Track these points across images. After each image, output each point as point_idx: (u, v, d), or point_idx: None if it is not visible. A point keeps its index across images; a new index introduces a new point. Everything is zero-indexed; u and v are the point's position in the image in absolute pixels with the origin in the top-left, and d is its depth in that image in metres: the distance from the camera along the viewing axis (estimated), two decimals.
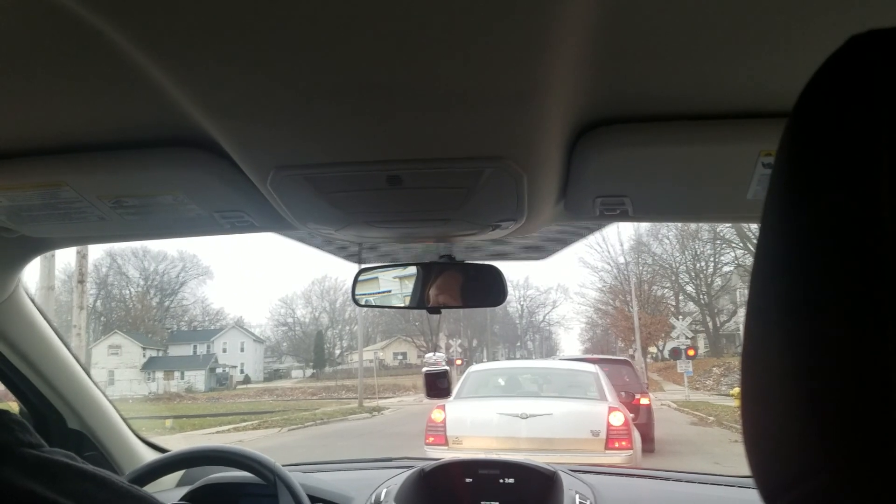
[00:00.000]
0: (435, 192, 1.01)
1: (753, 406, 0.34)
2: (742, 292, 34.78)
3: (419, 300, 1.40)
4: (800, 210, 0.30)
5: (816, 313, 0.28)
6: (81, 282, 13.60)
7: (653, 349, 38.79)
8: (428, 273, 1.40)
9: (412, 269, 1.42)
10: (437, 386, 1.54)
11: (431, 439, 6.21)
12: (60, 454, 0.74)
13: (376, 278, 1.45)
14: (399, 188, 0.98)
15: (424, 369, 1.56)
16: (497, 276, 1.36)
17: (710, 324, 40.10)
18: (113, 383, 37.95)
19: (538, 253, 1.55)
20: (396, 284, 1.44)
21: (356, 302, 1.46)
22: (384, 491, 1.63)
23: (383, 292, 1.45)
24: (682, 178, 1.01)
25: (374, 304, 1.48)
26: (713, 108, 0.90)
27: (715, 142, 0.92)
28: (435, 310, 1.39)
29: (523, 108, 0.77)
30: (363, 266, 1.45)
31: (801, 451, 0.29)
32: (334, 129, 0.83)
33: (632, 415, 6.91)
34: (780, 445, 0.30)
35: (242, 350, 49.47)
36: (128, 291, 50.86)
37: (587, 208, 1.12)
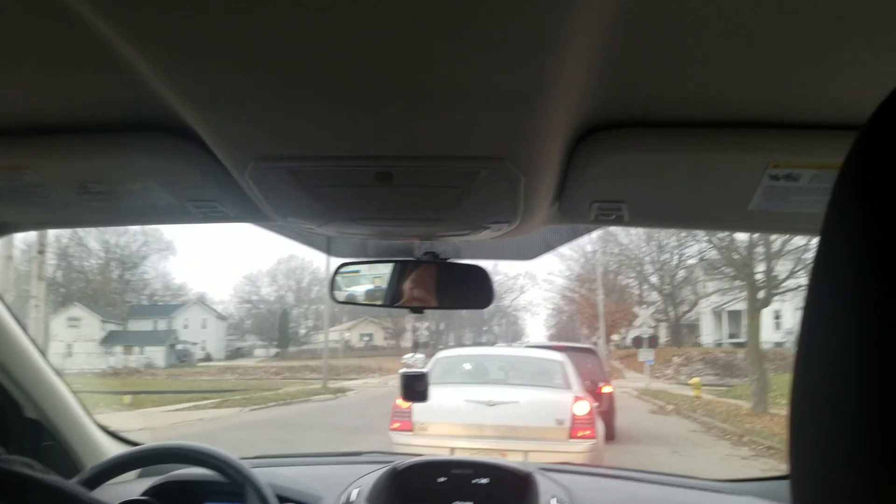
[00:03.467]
0: (427, 192, 0.97)
1: (805, 445, 0.31)
2: (704, 284, 35.44)
3: (402, 300, 1.35)
4: (876, 231, 0.28)
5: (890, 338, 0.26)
6: (41, 252, 13.25)
7: (615, 337, 39.34)
8: (412, 272, 1.35)
9: (395, 268, 1.37)
10: (414, 389, 1.50)
11: (397, 425, 6.20)
12: (19, 463, 0.68)
13: (357, 275, 1.41)
14: (388, 186, 0.94)
15: (402, 371, 1.51)
16: (484, 277, 1.33)
17: (672, 313, 40.79)
18: (71, 356, 37.21)
19: (524, 254, 1.51)
20: (378, 282, 1.39)
21: (334, 298, 1.41)
22: (355, 491, 1.59)
23: (364, 290, 1.41)
24: (684, 185, 0.98)
25: (353, 301, 1.43)
26: (721, 116, 0.87)
27: (721, 150, 0.90)
28: (418, 310, 1.34)
29: (527, 108, 0.73)
30: (344, 261, 1.40)
31: (858, 485, 0.27)
32: (322, 121, 0.78)
33: (595, 403, 6.99)
34: (834, 475, 0.29)
35: (204, 327, 48.85)
36: (88, 263, 49.86)
37: (583, 212, 1.09)
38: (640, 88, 0.81)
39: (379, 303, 1.39)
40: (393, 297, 1.36)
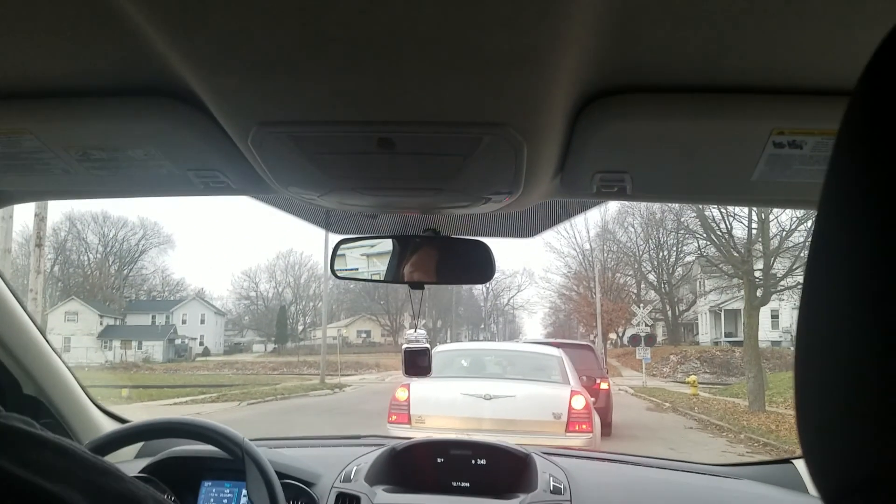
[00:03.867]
0: (429, 159, 0.96)
1: (812, 402, 0.32)
2: (702, 283, 35.43)
3: (402, 275, 1.35)
4: (875, 193, 0.27)
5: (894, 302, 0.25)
6: (39, 245, 13.22)
7: (612, 335, 39.38)
8: (413, 248, 1.35)
9: (395, 243, 1.37)
10: (417, 364, 1.50)
11: (394, 418, 6.20)
12: (17, 420, 0.68)
13: (357, 251, 1.40)
14: (391, 152, 0.93)
15: (405, 346, 1.51)
16: (485, 251, 1.32)
17: (670, 312, 40.83)
18: (69, 350, 37.20)
19: (524, 230, 1.51)
20: (378, 258, 1.38)
21: (335, 274, 1.40)
22: (354, 469, 1.59)
23: (365, 266, 1.40)
24: (687, 154, 0.98)
25: (354, 276, 1.43)
26: (725, 81, 0.86)
27: (725, 116, 0.89)
28: (418, 285, 1.34)
29: (531, 71, 0.73)
30: (345, 237, 1.39)
31: (868, 453, 0.27)
32: (324, 85, 0.78)
33: (592, 399, 6.99)
34: (843, 445, 0.28)
35: (203, 322, 48.88)
36: (86, 257, 49.82)
37: (584, 184, 1.08)
38: (644, 53, 0.81)
39: (380, 278, 1.39)
40: (394, 273, 1.36)
